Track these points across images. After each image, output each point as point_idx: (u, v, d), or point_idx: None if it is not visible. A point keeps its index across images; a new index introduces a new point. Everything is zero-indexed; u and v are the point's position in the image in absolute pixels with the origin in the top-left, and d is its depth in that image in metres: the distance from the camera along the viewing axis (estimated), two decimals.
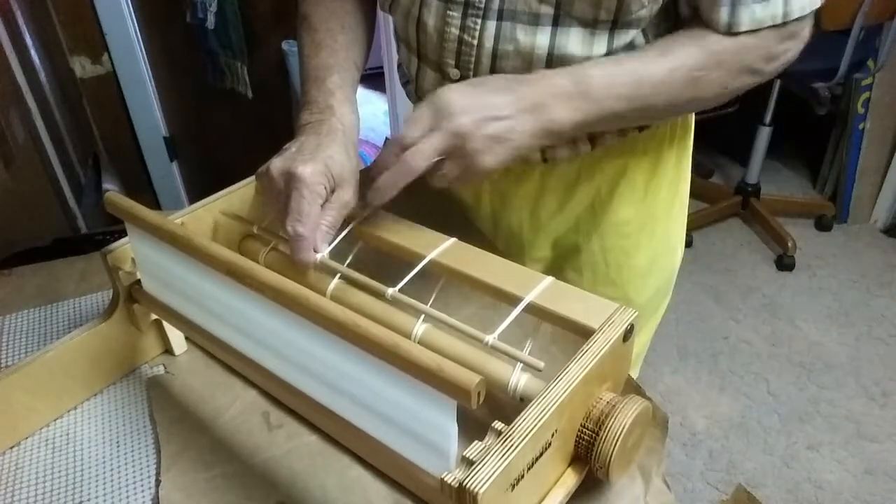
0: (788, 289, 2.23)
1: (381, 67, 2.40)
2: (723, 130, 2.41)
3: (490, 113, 0.57)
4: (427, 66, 0.75)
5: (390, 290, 0.57)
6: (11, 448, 0.63)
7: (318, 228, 0.59)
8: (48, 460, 0.61)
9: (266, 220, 0.69)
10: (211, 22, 1.80)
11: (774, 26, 0.63)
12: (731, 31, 0.63)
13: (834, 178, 2.54)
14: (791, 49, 0.66)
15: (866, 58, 2.08)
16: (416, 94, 0.81)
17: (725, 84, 0.65)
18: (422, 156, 0.56)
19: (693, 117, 0.84)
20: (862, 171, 2.40)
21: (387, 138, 1.12)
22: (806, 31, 0.66)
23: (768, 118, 2.30)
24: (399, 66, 0.88)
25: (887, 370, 1.92)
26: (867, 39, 1.97)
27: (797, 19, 0.63)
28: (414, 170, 0.57)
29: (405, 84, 0.87)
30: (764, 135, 2.32)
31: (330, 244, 0.61)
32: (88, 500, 0.58)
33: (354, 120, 0.67)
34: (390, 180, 0.58)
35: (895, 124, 2.31)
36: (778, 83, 2.22)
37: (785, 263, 2.29)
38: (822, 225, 2.48)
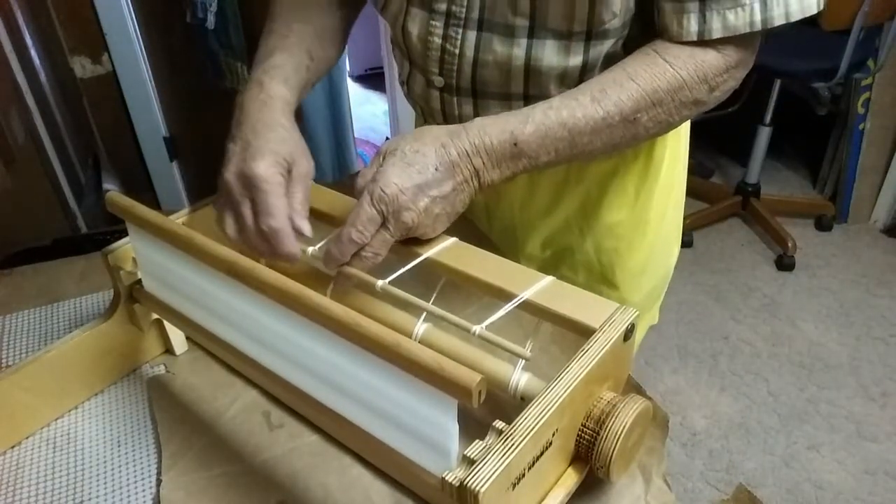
0: (788, 289, 2.23)
1: (381, 67, 2.40)
2: (723, 130, 2.41)
3: (431, 193, 0.58)
4: (416, 71, 0.76)
5: (380, 283, 0.57)
6: (12, 448, 0.63)
7: (293, 212, 0.60)
8: (49, 460, 0.61)
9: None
10: (211, 22, 1.80)
11: (743, 37, 0.62)
12: (702, 40, 0.62)
13: (834, 178, 2.54)
14: (736, 76, 0.65)
15: (866, 58, 2.08)
16: (409, 95, 0.82)
17: (667, 120, 0.64)
18: (378, 255, 0.59)
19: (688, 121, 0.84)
20: (862, 171, 2.40)
21: (387, 137, 1.12)
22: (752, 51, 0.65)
23: (768, 118, 2.30)
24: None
25: (887, 370, 1.92)
26: (867, 39, 1.97)
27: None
28: (373, 266, 0.59)
29: (402, 83, 0.88)
30: (764, 135, 2.32)
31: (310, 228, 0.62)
32: (89, 499, 0.58)
33: (284, 91, 0.67)
34: (351, 270, 0.59)
35: (895, 124, 2.31)
36: (778, 83, 2.23)
37: (785, 263, 2.29)
38: (822, 225, 2.48)
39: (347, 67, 2.25)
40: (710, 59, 0.63)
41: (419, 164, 0.57)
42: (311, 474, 0.59)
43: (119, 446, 0.62)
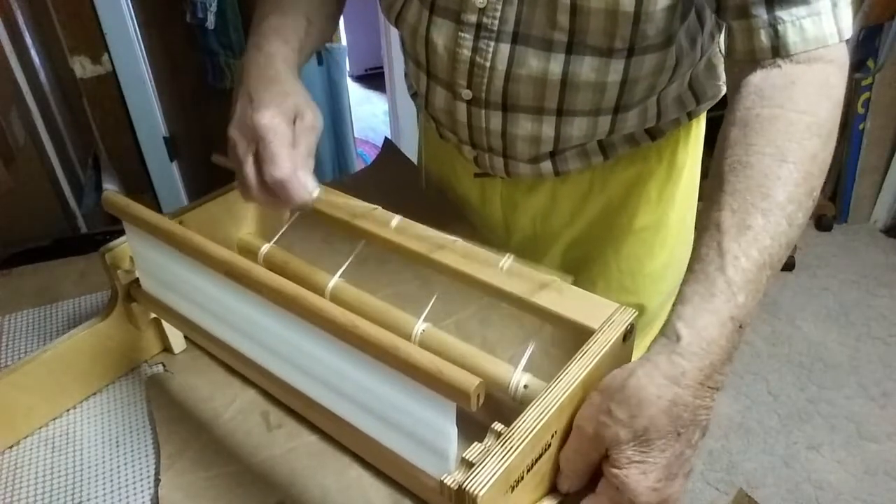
0: (788, 289, 2.22)
1: (381, 67, 2.40)
2: None
3: (684, 458, 0.46)
4: (437, 85, 0.74)
5: (395, 221, 0.57)
6: (11, 448, 0.63)
7: (297, 166, 0.58)
8: (48, 460, 0.61)
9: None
10: (211, 22, 1.79)
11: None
12: (779, 56, 0.55)
13: (834, 178, 2.54)
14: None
15: (866, 58, 2.08)
16: (427, 109, 0.79)
17: (830, 157, 0.54)
18: None
19: (705, 120, 0.83)
20: (862, 171, 2.40)
21: (386, 137, 1.12)
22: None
23: None
24: (406, 75, 0.87)
25: (887, 370, 1.92)
26: (867, 39, 1.97)
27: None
28: None
29: (413, 95, 0.86)
30: None
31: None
32: (88, 499, 0.58)
33: (284, 49, 0.64)
34: None
35: (895, 124, 2.31)
36: None
37: (785, 263, 2.28)
38: (822, 225, 2.48)
39: (347, 67, 2.24)
40: (830, 70, 0.55)
41: (657, 444, 0.45)
42: (309, 475, 0.58)
43: (117, 446, 0.62)
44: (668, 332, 0.47)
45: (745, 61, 0.57)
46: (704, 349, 0.46)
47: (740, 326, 0.47)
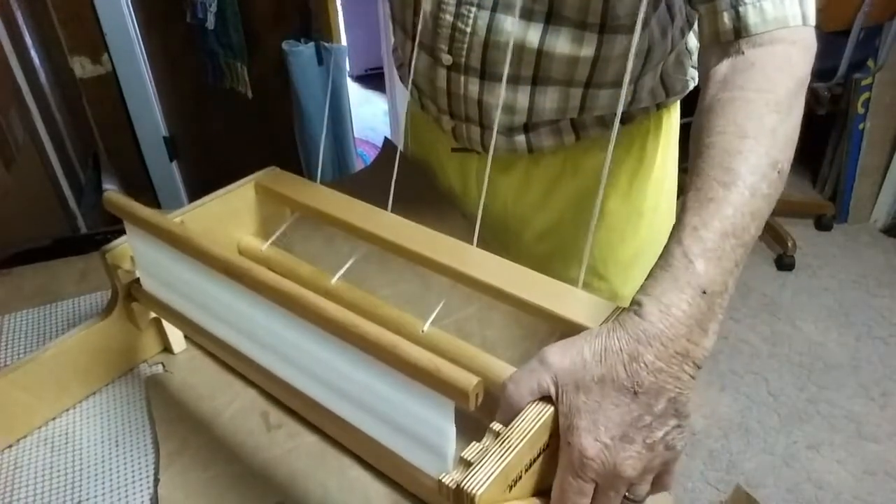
0: (788, 289, 2.22)
1: (381, 68, 2.40)
2: None
3: (642, 424, 0.45)
4: (421, 51, 0.77)
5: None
6: (10, 447, 0.63)
7: None
8: (47, 459, 0.61)
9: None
10: (211, 22, 1.80)
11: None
12: (740, 37, 0.56)
13: (834, 178, 2.54)
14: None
15: (866, 58, 2.08)
16: (411, 75, 0.82)
17: (796, 133, 0.55)
18: None
19: (678, 116, 0.86)
20: (862, 171, 2.40)
21: (386, 137, 1.12)
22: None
23: None
24: (394, 49, 0.90)
25: (887, 370, 1.92)
26: (867, 39, 1.97)
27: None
28: None
29: (398, 66, 0.88)
30: None
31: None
32: (87, 499, 0.58)
33: None
34: None
35: (895, 124, 2.31)
36: None
37: (785, 263, 2.29)
38: (822, 225, 2.48)
39: (347, 67, 2.25)
40: (791, 51, 0.56)
41: (611, 397, 0.45)
42: (309, 475, 0.59)
43: (117, 445, 0.62)
44: (631, 303, 0.49)
45: (711, 46, 0.59)
46: (664, 311, 0.47)
47: (704, 292, 0.47)
